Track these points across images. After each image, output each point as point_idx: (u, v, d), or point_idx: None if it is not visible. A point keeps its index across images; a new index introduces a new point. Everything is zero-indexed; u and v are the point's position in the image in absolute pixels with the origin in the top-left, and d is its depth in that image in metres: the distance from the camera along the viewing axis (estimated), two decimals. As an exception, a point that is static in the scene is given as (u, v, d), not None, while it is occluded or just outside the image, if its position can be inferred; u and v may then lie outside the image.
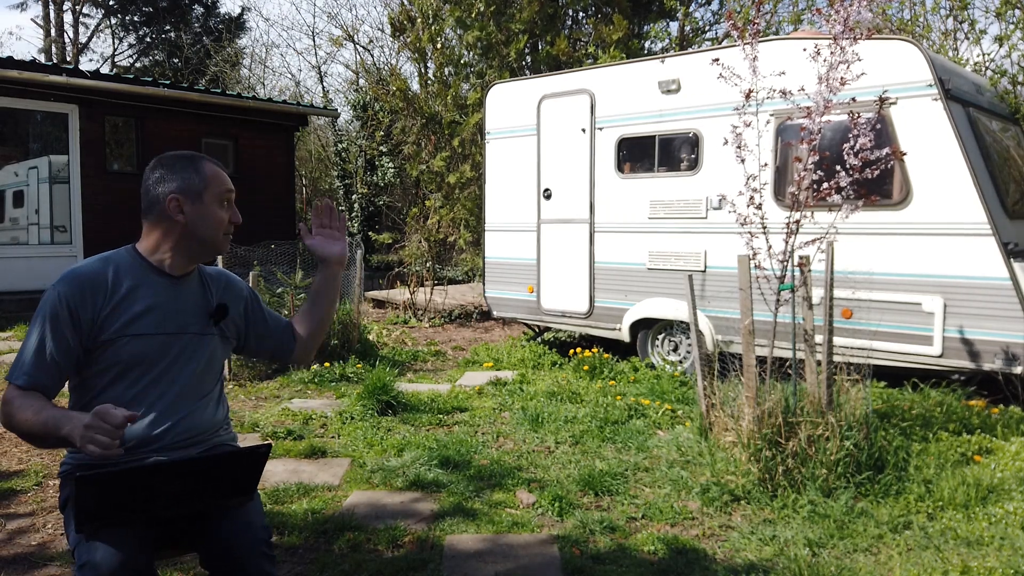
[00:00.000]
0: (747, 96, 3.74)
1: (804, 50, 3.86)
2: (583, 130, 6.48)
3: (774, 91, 3.75)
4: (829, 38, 3.70)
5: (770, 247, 3.74)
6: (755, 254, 3.77)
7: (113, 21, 24.38)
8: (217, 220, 1.95)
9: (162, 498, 1.72)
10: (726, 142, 3.81)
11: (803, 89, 3.74)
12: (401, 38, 11.19)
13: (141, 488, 1.69)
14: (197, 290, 2.01)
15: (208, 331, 1.99)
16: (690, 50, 9.04)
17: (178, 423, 1.90)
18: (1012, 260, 4.53)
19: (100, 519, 1.67)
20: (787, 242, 3.73)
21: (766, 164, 4.83)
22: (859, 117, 3.64)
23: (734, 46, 4.20)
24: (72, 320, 1.81)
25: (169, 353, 1.91)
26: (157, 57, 23.37)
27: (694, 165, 5.86)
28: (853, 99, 3.80)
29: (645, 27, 10.64)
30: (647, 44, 10.76)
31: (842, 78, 3.58)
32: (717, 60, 3.87)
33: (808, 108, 3.67)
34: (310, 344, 2.18)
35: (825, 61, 3.61)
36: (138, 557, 1.71)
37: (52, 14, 23.86)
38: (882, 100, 3.76)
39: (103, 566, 1.64)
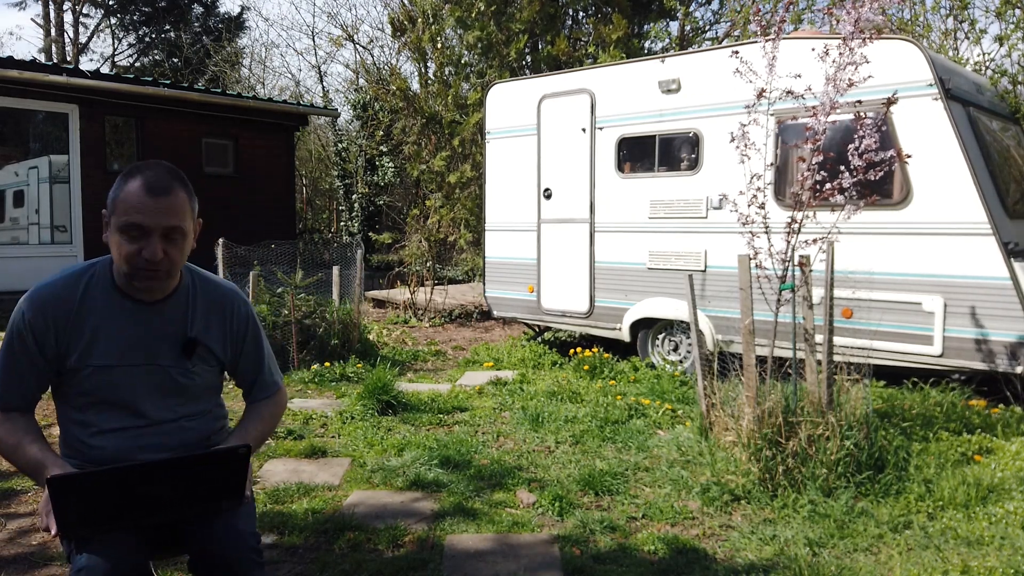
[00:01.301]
0: (759, 95, 3.72)
1: (813, 50, 3.85)
2: (583, 130, 6.48)
3: (782, 92, 3.73)
4: (830, 37, 3.70)
5: (771, 247, 3.74)
6: (756, 254, 3.77)
7: (113, 21, 24.39)
8: (120, 251, 1.69)
9: (142, 502, 1.67)
10: (732, 139, 3.79)
11: (810, 88, 3.74)
12: (401, 38, 11.20)
13: (117, 491, 1.64)
14: (175, 317, 1.84)
15: (181, 363, 1.84)
16: (690, 50, 9.04)
17: (158, 446, 1.83)
18: (1012, 260, 4.53)
19: (79, 523, 1.63)
20: (788, 242, 3.72)
21: (771, 163, 4.83)
22: (865, 118, 3.63)
23: (736, 45, 4.19)
24: (37, 345, 1.76)
25: (139, 383, 1.80)
26: (157, 57, 23.38)
27: (694, 165, 5.86)
28: (859, 101, 3.79)
29: (645, 27, 10.64)
30: (647, 44, 10.76)
31: (849, 79, 3.57)
32: (736, 53, 3.83)
33: (814, 108, 3.67)
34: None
35: (834, 62, 3.61)
36: (131, 560, 1.69)
37: (52, 14, 23.86)
38: (889, 101, 3.75)
39: (97, 570, 1.62)
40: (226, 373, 2.05)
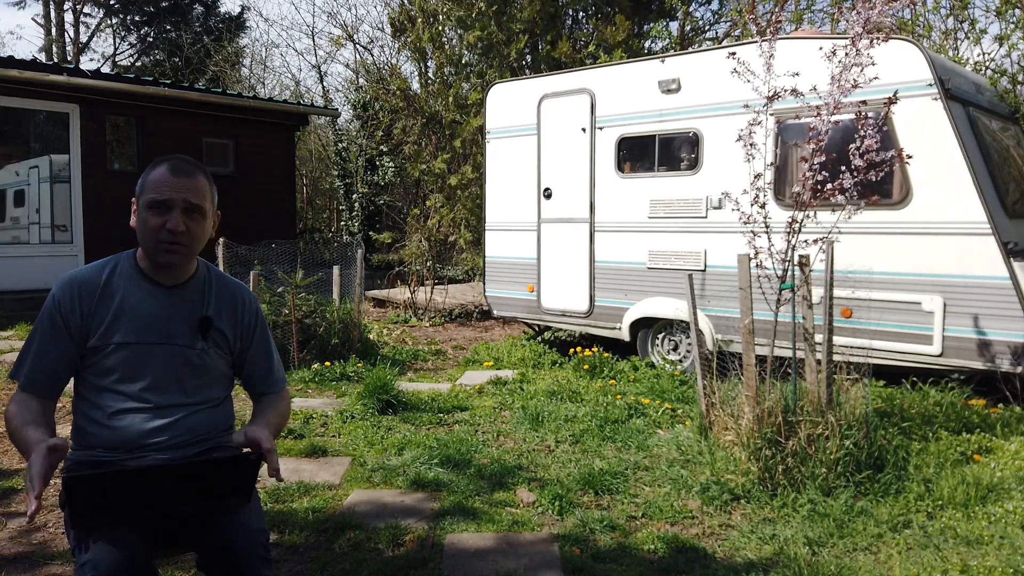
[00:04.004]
0: (771, 98, 3.71)
1: (820, 49, 3.84)
2: (583, 130, 6.48)
3: (784, 91, 3.73)
4: (829, 37, 3.69)
5: (771, 246, 3.74)
6: (756, 253, 3.77)
7: (114, 20, 24.39)
8: (146, 226, 1.84)
9: (154, 500, 1.72)
10: (739, 138, 3.78)
11: (815, 88, 3.73)
12: (401, 38, 11.20)
13: (130, 490, 1.70)
14: (193, 300, 1.96)
15: (196, 343, 1.94)
16: (690, 50, 9.05)
17: (172, 426, 1.89)
18: (1012, 259, 4.54)
19: (92, 519, 1.68)
20: (788, 241, 3.73)
21: (771, 163, 4.83)
22: (866, 118, 3.63)
23: (736, 45, 4.19)
24: (64, 324, 1.85)
25: (156, 362, 1.89)
26: (158, 56, 23.37)
27: (694, 164, 5.86)
28: (864, 101, 3.78)
29: (646, 27, 10.65)
30: (647, 44, 10.77)
31: (854, 80, 3.57)
32: (734, 55, 3.83)
33: (816, 107, 3.66)
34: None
35: (839, 62, 3.60)
36: (137, 557, 1.72)
37: (52, 13, 23.87)
38: (890, 101, 3.75)
39: (102, 565, 1.65)
40: (235, 370, 2.10)
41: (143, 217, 1.85)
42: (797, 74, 3.73)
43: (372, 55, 17.98)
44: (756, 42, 3.81)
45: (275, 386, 2.13)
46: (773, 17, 3.81)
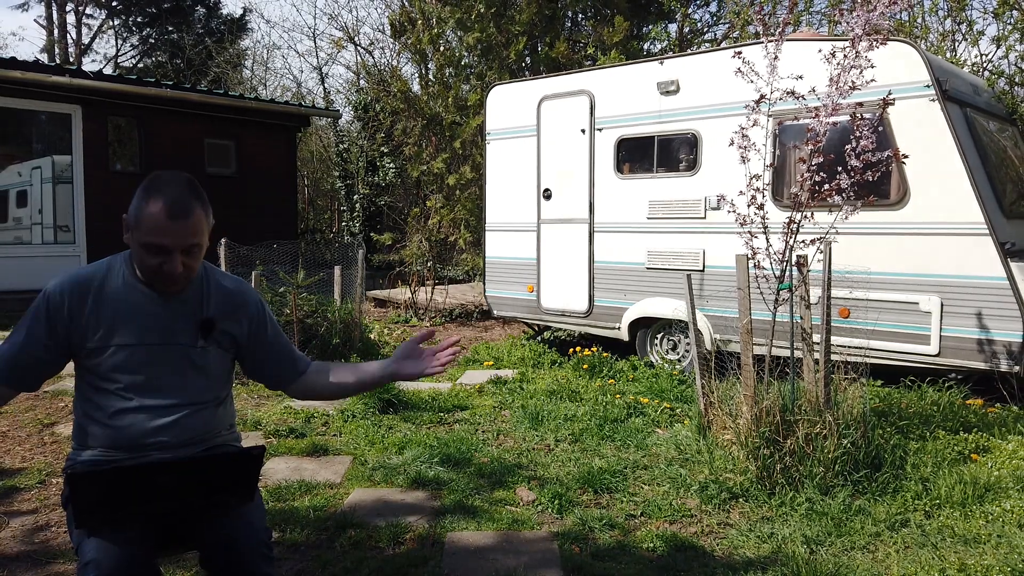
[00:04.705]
0: (759, 100, 3.73)
1: (819, 51, 3.85)
2: (583, 131, 6.51)
3: (784, 93, 3.74)
4: (828, 39, 3.71)
5: (769, 247, 3.76)
6: (754, 254, 3.79)
7: (116, 22, 24.43)
8: (143, 263, 1.84)
9: (156, 497, 1.74)
10: (732, 142, 3.80)
11: (814, 90, 3.75)
12: (402, 39, 11.24)
13: (133, 486, 1.72)
14: (192, 302, 1.95)
15: (197, 343, 1.93)
16: (689, 51, 9.07)
17: (174, 425, 1.90)
18: (1009, 260, 4.56)
19: (95, 516, 1.70)
20: (786, 242, 3.74)
21: (769, 164, 4.85)
22: (862, 119, 3.65)
23: (735, 47, 4.20)
24: (49, 324, 1.84)
25: (157, 363, 1.89)
26: (160, 58, 23.42)
27: (693, 165, 5.88)
28: (860, 104, 3.80)
29: (644, 28, 10.68)
30: (646, 45, 10.80)
31: (853, 82, 3.58)
32: (739, 54, 3.84)
33: (815, 109, 3.68)
34: (317, 393, 2.16)
35: (838, 64, 3.62)
36: (140, 555, 1.73)
37: (55, 15, 23.91)
38: (885, 102, 3.77)
39: (105, 564, 1.66)
40: (247, 366, 2.10)
41: (139, 253, 1.83)
42: (800, 77, 3.75)
43: (373, 57, 18.03)
44: (758, 43, 3.83)
45: (305, 361, 2.14)
46: (781, 19, 3.81)
